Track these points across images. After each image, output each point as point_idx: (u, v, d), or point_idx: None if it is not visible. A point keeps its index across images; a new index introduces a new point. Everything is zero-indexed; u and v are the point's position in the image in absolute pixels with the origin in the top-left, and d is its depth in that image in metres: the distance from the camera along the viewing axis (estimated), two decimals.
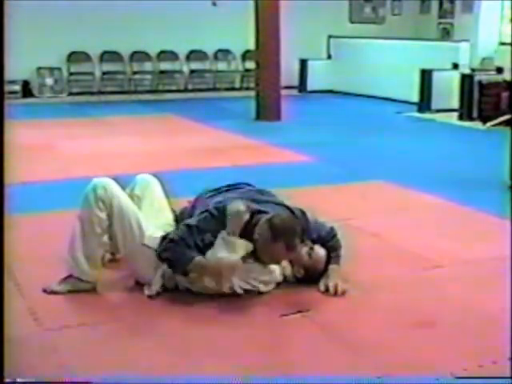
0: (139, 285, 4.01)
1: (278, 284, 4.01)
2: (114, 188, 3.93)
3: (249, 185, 4.38)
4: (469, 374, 2.88)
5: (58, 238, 4.08)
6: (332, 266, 4.05)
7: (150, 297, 3.87)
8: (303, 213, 4.11)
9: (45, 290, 3.93)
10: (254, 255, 3.83)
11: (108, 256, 4.29)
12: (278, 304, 3.83)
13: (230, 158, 8.01)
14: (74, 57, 13.93)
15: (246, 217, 3.81)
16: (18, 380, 2.74)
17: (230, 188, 4.27)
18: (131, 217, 3.91)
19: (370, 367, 3.18)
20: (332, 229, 4.21)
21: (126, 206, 3.93)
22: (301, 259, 3.97)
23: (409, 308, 3.82)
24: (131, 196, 4.15)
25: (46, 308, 3.78)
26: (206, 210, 3.88)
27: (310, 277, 4.02)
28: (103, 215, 3.86)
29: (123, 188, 4.10)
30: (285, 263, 3.99)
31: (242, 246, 3.77)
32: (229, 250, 3.74)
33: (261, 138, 9.34)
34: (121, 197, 3.94)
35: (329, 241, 4.12)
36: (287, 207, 4.10)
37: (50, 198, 5.92)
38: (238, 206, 3.83)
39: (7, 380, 2.60)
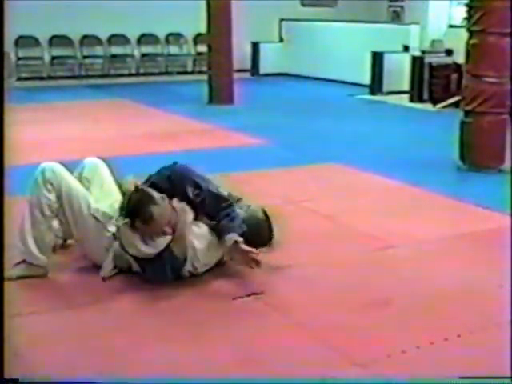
0: (92, 268, 4.00)
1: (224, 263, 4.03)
2: (63, 171, 3.94)
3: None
4: (472, 374, 2.90)
5: (9, 225, 4.01)
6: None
7: (103, 278, 3.87)
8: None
9: None
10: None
11: (59, 241, 4.25)
12: (231, 287, 3.84)
13: (182, 142, 7.97)
14: (22, 41, 13.66)
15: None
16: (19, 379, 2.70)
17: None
18: (80, 199, 3.92)
19: (324, 348, 3.20)
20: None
21: (75, 188, 3.94)
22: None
23: (362, 288, 3.86)
24: (80, 179, 4.14)
25: None
26: None
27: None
28: (52, 197, 3.86)
29: (71, 172, 4.08)
30: None
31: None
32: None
33: (214, 122, 9.31)
34: (69, 179, 3.94)
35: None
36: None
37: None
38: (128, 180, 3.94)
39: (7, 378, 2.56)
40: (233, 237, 3.82)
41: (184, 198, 3.93)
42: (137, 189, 3.88)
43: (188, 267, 3.86)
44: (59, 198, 3.88)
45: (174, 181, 3.97)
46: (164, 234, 3.80)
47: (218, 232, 3.90)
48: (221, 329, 3.39)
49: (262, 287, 3.82)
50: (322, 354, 3.15)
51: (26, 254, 3.90)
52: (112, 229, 3.94)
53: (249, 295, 3.72)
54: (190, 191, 3.93)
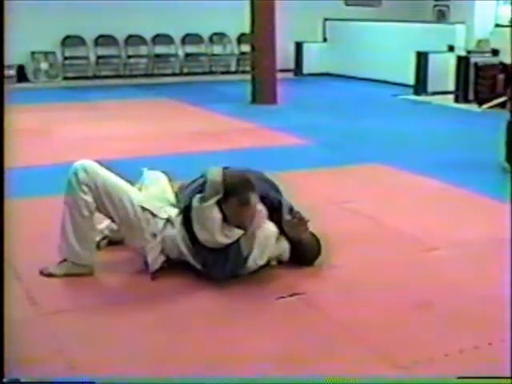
0: (139, 266, 4.02)
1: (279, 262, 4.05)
2: (96, 168, 3.92)
3: None
4: (473, 373, 2.88)
5: (54, 222, 4.09)
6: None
7: (152, 276, 3.88)
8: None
9: (41, 272, 3.94)
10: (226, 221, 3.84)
11: (104, 242, 4.31)
12: (273, 287, 3.84)
13: (226, 141, 8.00)
14: (68, 41, 13.87)
15: (219, 179, 3.84)
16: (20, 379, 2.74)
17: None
18: (120, 191, 3.91)
19: (365, 349, 3.19)
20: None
21: (111, 182, 3.92)
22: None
23: (405, 290, 3.83)
24: (140, 189, 4.18)
25: (44, 292, 3.79)
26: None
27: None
28: (88, 198, 3.85)
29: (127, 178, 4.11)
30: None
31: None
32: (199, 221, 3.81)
33: (257, 122, 9.33)
34: (104, 175, 3.92)
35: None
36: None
37: (45, 183, 5.90)
38: (214, 169, 3.90)
39: (6, 379, 2.59)
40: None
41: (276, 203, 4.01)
42: (237, 173, 3.91)
43: (251, 264, 3.86)
44: (98, 197, 3.87)
45: (272, 186, 4.06)
46: (242, 227, 3.82)
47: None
48: (262, 328, 3.40)
49: (305, 288, 3.82)
50: (362, 355, 3.13)
51: (70, 254, 3.93)
52: (164, 215, 3.95)
53: (291, 295, 3.72)
54: (284, 200, 4.06)
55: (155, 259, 3.90)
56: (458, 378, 2.85)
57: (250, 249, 3.84)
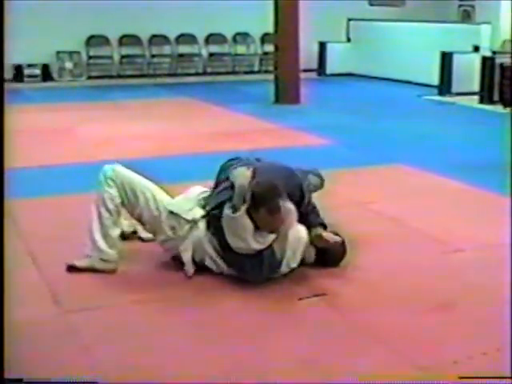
0: (163, 266, 4.05)
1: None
2: (123, 169, 4.09)
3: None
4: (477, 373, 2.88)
5: (77, 221, 4.11)
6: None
7: (188, 276, 3.92)
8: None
9: (68, 266, 3.97)
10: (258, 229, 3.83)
11: (129, 230, 4.39)
12: (296, 287, 3.84)
13: (249, 141, 7.99)
14: (93, 40, 13.96)
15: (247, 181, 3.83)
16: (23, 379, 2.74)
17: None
18: (143, 188, 4.03)
19: (386, 350, 3.17)
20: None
21: (137, 180, 4.06)
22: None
23: (427, 292, 3.80)
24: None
25: (67, 289, 3.81)
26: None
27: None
28: (113, 191, 3.98)
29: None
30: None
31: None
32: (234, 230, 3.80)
33: (280, 122, 9.32)
34: (130, 174, 4.08)
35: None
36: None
37: (69, 182, 5.95)
38: (240, 171, 3.90)
39: (8, 377, 2.59)
40: (318, 230, 4.02)
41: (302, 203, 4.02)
42: (264, 180, 3.88)
43: (284, 269, 3.88)
44: (123, 191, 3.98)
45: (305, 190, 4.06)
46: (275, 232, 3.81)
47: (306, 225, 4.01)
48: (285, 329, 3.39)
49: (328, 288, 3.81)
50: (383, 356, 3.12)
51: (95, 251, 3.97)
52: (189, 217, 3.97)
53: (314, 296, 3.71)
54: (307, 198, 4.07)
55: (189, 261, 3.94)
56: (460, 378, 2.83)
57: (282, 251, 3.84)
